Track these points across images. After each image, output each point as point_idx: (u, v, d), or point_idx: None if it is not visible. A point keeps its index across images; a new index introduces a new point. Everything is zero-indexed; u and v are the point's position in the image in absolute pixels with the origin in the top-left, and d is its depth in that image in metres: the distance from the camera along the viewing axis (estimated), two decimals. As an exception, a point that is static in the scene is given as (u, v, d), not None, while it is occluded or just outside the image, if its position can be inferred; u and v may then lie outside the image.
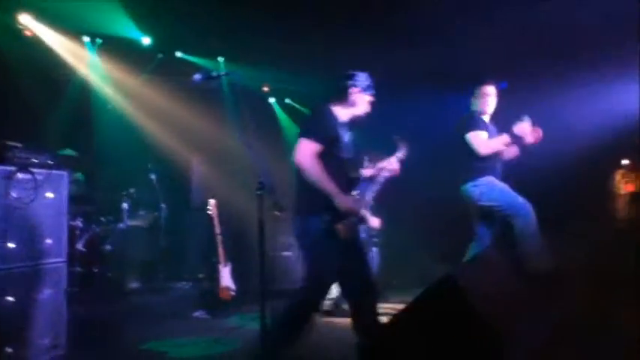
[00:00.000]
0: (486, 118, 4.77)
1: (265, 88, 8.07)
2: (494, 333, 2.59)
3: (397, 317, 2.64)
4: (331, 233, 3.24)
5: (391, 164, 3.81)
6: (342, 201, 3.23)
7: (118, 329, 4.66)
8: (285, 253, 6.70)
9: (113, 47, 6.41)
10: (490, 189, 4.51)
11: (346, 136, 3.53)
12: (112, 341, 4.43)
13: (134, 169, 6.12)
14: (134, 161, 6.18)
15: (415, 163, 6.39)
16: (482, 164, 4.54)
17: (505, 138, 4.53)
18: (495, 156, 4.60)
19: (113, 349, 4.25)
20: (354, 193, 3.51)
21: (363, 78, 3.57)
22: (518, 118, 4.65)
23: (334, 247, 3.27)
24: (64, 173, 4.14)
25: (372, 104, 3.62)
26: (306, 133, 3.32)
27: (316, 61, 6.79)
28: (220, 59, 7.04)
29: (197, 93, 6.73)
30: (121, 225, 5.48)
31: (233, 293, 5.46)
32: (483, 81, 4.77)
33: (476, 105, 4.76)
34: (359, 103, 3.54)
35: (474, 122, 4.62)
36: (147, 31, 6.48)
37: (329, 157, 3.30)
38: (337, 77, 3.57)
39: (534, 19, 5.86)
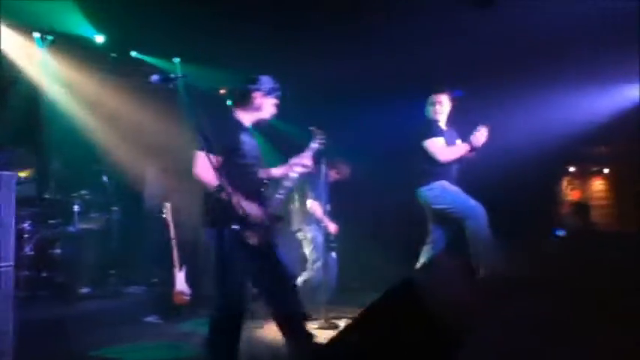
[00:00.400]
0: (442, 124, 4.88)
1: (222, 91, 7.98)
2: (451, 337, 2.65)
3: (355, 321, 2.66)
4: (241, 242, 3.23)
5: (302, 159, 3.70)
6: (244, 208, 3.22)
7: (68, 335, 4.52)
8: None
9: (65, 45, 6.22)
10: (443, 193, 4.65)
11: (251, 142, 3.51)
12: (63, 348, 4.30)
13: (85, 170, 5.96)
14: (85, 163, 6.02)
15: (371, 167, 6.53)
16: (436, 169, 4.68)
17: (464, 146, 4.67)
18: (449, 161, 4.72)
19: (64, 356, 4.15)
20: (268, 196, 3.52)
21: (266, 81, 3.56)
22: (472, 125, 4.80)
23: (245, 256, 3.26)
24: (14, 174, 4.00)
25: (279, 107, 3.61)
26: (201, 145, 3.27)
27: (273, 65, 6.77)
28: (176, 60, 6.93)
29: (152, 94, 6.61)
30: (72, 228, 5.32)
31: (187, 298, 5.39)
32: (436, 90, 4.88)
33: (429, 113, 4.88)
34: (264, 106, 3.54)
35: (431, 129, 4.74)
36: (101, 29, 6.32)
37: (230, 165, 3.30)
38: (240, 81, 3.58)
39: (485, 28, 6.01)
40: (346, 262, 6.17)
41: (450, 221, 4.82)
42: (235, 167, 3.33)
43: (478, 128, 4.70)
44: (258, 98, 3.52)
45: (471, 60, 6.46)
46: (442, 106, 4.86)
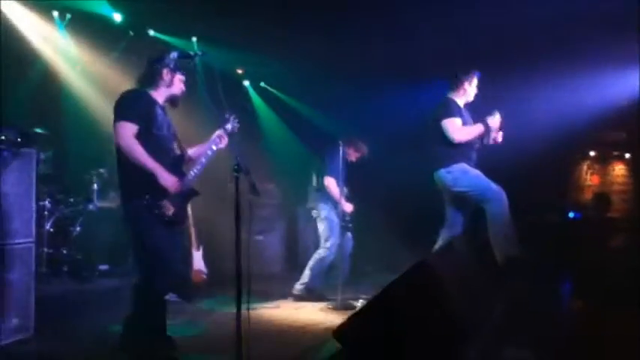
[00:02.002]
0: (461, 104, 4.81)
1: (240, 71, 7.97)
2: (465, 320, 2.65)
3: (370, 303, 2.67)
4: (154, 212, 3.31)
5: (219, 138, 3.70)
6: (163, 178, 3.31)
7: (87, 311, 4.59)
8: (258, 237, 6.69)
9: (83, 23, 6.21)
10: (464, 175, 4.58)
11: (163, 115, 3.55)
12: (82, 323, 4.37)
13: (104, 149, 5.96)
14: (104, 141, 6.03)
15: (387, 149, 6.50)
16: (455, 151, 4.60)
17: (480, 127, 4.60)
18: (469, 143, 4.66)
19: (83, 331, 4.20)
20: (193, 169, 3.57)
21: (172, 57, 3.57)
22: (486, 109, 4.75)
23: (161, 226, 3.35)
24: (33, 151, 4.05)
25: (187, 83, 3.65)
26: (120, 116, 3.38)
27: (292, 45, 6.75)
28: (194, 39, 6.90)
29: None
30: (91, 206, 5.37)
31: (204, 276, 5.44)
32: (466, 71, 4.79)
33: (457, 94, 4.79)
34: (172, 82, 3.57)
35: (448, 109, 4.66)
36: (118, 7, 6.31)
37: (147, 136, 3.37)
38: (149, 60, 3.60)
39: (499, 14, 5.91)
40: (360, 245, 6.17)
41: (468, 205, 4.79)
42: (152, 139, 3.39)
43: (493, 112, 4.66)
44: (167, 74, 3.55)
45: (489, 43, 6.37)
46: (470, 87, 4.78)
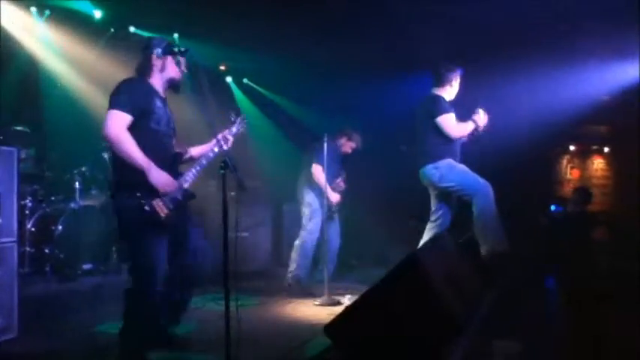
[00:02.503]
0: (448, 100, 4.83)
1: (222, 67, 7.92)
2: (456, 314, 2.66)
3: (362, 299, 2.67)
4: (146, 212, 3.08)
5: (224, 139, 3.54)
6: (155, 176, 3.11)
7: (71, 311, 4.55)
8: (244, 234, 6.67)
9: (62, 19, 6.12)
10: (450, 170, 4.60)
11: (165, 110, 3.40)
12: (66, 323, 4.32)
13: (86, 147, 5.90)
14: (86, 140, 5.96)
15: (373, 144, 6.50)
16: (443, 147, 4.63)
17: (471, 124, 4.65)
18: (455, 139, 4.69)
19: (66, 331, 4.15)
20: (191, 170, 3.42)
21: (158, 42, 3.46)
22: (471, 103, 4.78)
23: (151, 227, 3.11)
24: (14, 150, 3.98)
25: (184, 65, 3.48)
26: (113, 104, 3.15)
27: (275, 41, 6.72)
28: (175, 35, 6.84)
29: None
30: (73, 204, 5.29)
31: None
32: (450, 67, 4.81)
33: (442, 90, 4.81)
34: (165, 67, 3.42)
35: (442, 106, 4.67)
36: (99, 3, 6.22)
37: (142, 129, 3.18)
38: (142, 48, 3.47)
39: (485, 4, 5.95)
40: (346, 239, 6.19)
41: (453, 199, 4.82)
42: (147, 132, 3.20)
43: (477, 110, 4.69)
44: (157, 60, 3.41)
45: (468, 38, 6.41)
46: (455, 84, 4.81)
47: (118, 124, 3.09)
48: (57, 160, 5.68)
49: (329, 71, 7.37)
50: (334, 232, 5.86)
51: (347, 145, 5.92)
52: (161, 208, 3.13)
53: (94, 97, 6.30)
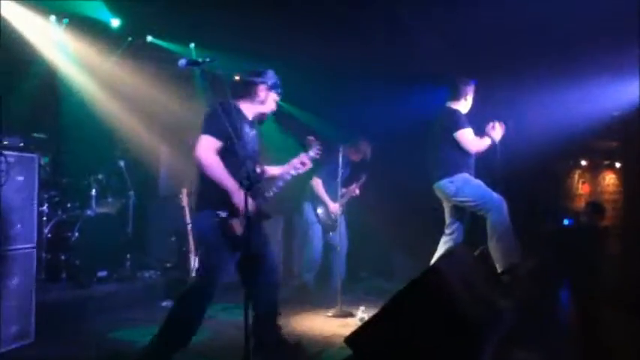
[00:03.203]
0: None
1: (237, 77, 7.96)
2: (476, 326, 2.67)
3: (383, 310, 2.67)
4: (224, 229, 3.30)
5: (299, 163, 3.75)
6: (238, 198, 3.26)
7: (86, 317, 4.57)
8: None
9: (80, 28, 6.18)
10: (466, 185, 4.61)
11: (251, 133, 3.55)
12: (80, 329, 4.35)
13: (102, 155, 5.96)
14: (102, 147, 6.03)
15: (381, 153, 6.51)
16: (459, 161, 4.64)
17: (488, 139, 4.66)
18: (471, 153, 4.71)
19: (81, 338, 4.17)
20: (269, 192, 3.60)
21: (271, 76, 3.59)
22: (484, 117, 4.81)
23: (226, 243, 3.32)
24: (35, 156, 4.03)
25: (278, 104, 3.68)
26: (205, 129, 3.36)
27: (289, 51, 6.77)
28: (192, 45, 6.91)
29: (168, 79, 6.61)
30: (89, 212, 5.34)
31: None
32: (465, 81, 4.84)
33: (458, 104, 4.83)
34: (266, 100, 3.58)
35: (460, 120, 4.70)
36: (117, 12, 6.29)
37: (229, 153, 3.33)
38: (246, 73, 3.61)
39: (496, 16, 5.97)
40: (355, 250, 6.21)
41: (468, 213, 4.83)
42: (233, 156, 3.32)
43: (492, 124, 4.71)
44: (263, 91, 3.56)
45: (479, 51, 6.43)
46: (470, 97, 4.83)
47: (208, 148, 3.32)
48: (73, 167, 5.73)
49: (341, 79, 7.40)
50: (342, 237, 5.90)
51: (354, 155, 5.98)
52: (238, 227, 3.33)
53: (111, 105, 6.38)
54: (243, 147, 3.38)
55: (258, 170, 3.62)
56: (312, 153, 3.79)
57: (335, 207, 5.83)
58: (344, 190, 5.94)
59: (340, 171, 5.55)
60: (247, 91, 3.56)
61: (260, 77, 3.56)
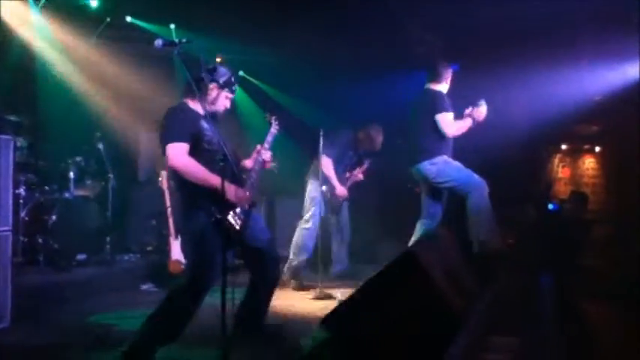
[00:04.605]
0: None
1: (218, 59, 7.89)
2: (453, 308, 2.68)
3: (359, 292, 2.67)
4: (222, 228, 3.17)
5: (262, 153, 3.67)
6: (232, 193, 3.20)
7: (64, 301, 4.54)
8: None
9: (58, 8, 6.08)
10: (446, 167, 4.63)
11: (212, 128, 3.41)
12: (59, 313, 4.32)
13: (80, 137, 5.88)
14: (80, 130, 5.94)
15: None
16: (439, 144, 4.65)
17: (469, 122, 4.67)
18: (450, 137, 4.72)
19: (59, 322, 4.14)
20: (249, 180, 3.52)
21: (223, 73, 3.47)
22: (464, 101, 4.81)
23: (220, 242, 3.14)
24: (9, 138, 3.96)
25: (232, 101, 3.55)
26: (169, 137, 3.22)
27: (270, 34, 6.71)
28: (172, 26, 6.81)
29: (147, 59, 6.52)
30: (67, 194, 5.28)
31: (183, 267, 5.39)
32: (444, 65, 4.83)
33: (439, 86, 4.83)
34: (217, 99, 3.44)
35: (441, 103, 4.70)
36: (95, -9, 6.19)
37: (199, 151, 3.25)
38: (197, 71, 3.43)
39: (474, 4, 5.97)
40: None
41: (445, 196, 4.86)
42: (204, 153, 3.26)
43: (479, 103, 4.70)
44: (214, 90, 3.42)
45: (462, 37, 6.44)
46: (449, 80, 4.83)
47: (180, 154, 3.18)
48: (51, 150, 5.66)
49: (325, 64, 7.36)
50: (345, 223, 5.85)
51: (365, 143, 5.90)
52: (236, 221, 3.26)
53: (90, 87, 6.30)
54: (209, 142, 3.32)
55: (233, 160, 3.52)
56: (273, 130, 3.73)
57: (342, 190, 5.77)
58: (348, 174, 5.91)
59: (350, 154, 5.51)
60: (197, 87, 3.35)
61: (211, 75, 3.41)
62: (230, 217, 3.25)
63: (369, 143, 5.94)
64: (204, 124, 3.36)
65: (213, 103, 3.44)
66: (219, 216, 3.17)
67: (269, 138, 3.74)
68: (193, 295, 3.32)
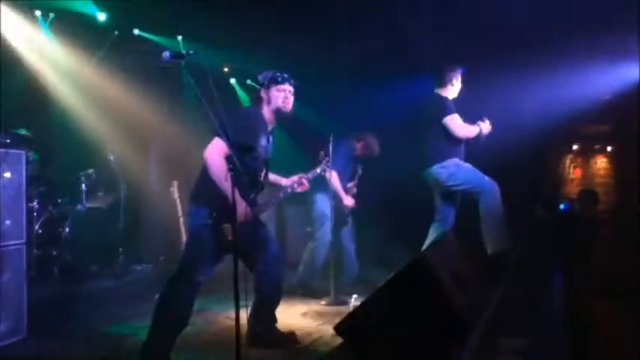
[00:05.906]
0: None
1: (226, 69, 7.95)
2: (465, 313, 2.68)
3: (372, 297, 2.68)
4: (214, 230, 3.33)
5: (303, 181, 3.88)
6: (238, 204, 3.21)
7: (79, 312, 4.57)
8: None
9: (66, 23, 6.14)
10: (458, 170, 4.64)
11: (267, 146, 3.59)
12: (74, 325, 4.35)
13: (91, 150, 5.93)
14: (91, 142, 6.00)
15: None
16: (450, 147, 4.66)
17: (477, 128, 4.68)
18: (461, 140, 4.73)
19: (75, 333, 4.17)
20: (267, 204, 3.69)
21: (263, 76, 3.64)
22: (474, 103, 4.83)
23: (212, 243, 3.36)
24: (22, 152, 4.01)
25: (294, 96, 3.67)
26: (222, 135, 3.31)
27: (278, 41, 6.74)
28: (179, 38, 6.87)
29: (155, 72, 6.57)
30: (80, 207, 5.32)
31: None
32: (452, 68, 4.84)
33: (445, 90, 4.84)
34: (271, 98, 3.61)
35: (448, 106, 4.71)
36: (103, 6, 6.24)
37: (239, 162, 3.24)
38: (255, 77, 3.68)
39: (484, 9, 5.97)
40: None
41: (458, 199, 4.84)
42: (243, 166, 3.27)
43: (484, 119, 4.74)
44: (263, 93, 3.62)
45: (470, 37, 6.43)
46: (457, 83, 4.83)
47: (218, 151, 3.31)
48: (63, 163, 5.71)
49: (330, 72, 7.37)
50: (347, 237, 5.83)
51: (361, 150, 5.86)
52: (229, 233, 3.33)
53: (99, 101, 6.34)
54: (254, 158, 3.46)
55: (260, 179, 3.64)
56: (318, 170, 3.93)
57: (349, 201, 5.70)
58: (350, 184, 5.86)
59: (351, 163, 5.52)
60: (257, 97, 3.64)
61: (258, 84, 3.63)
62: (225, 227, 3.33)
63: (367, 150, 5.92)
64: (262, 141, 3.53)
65: (269, 103, 3.61)
66: (211, 221, 3.33)
67: (315, 172, 3.98)
68: (186, 281, 3.41)
